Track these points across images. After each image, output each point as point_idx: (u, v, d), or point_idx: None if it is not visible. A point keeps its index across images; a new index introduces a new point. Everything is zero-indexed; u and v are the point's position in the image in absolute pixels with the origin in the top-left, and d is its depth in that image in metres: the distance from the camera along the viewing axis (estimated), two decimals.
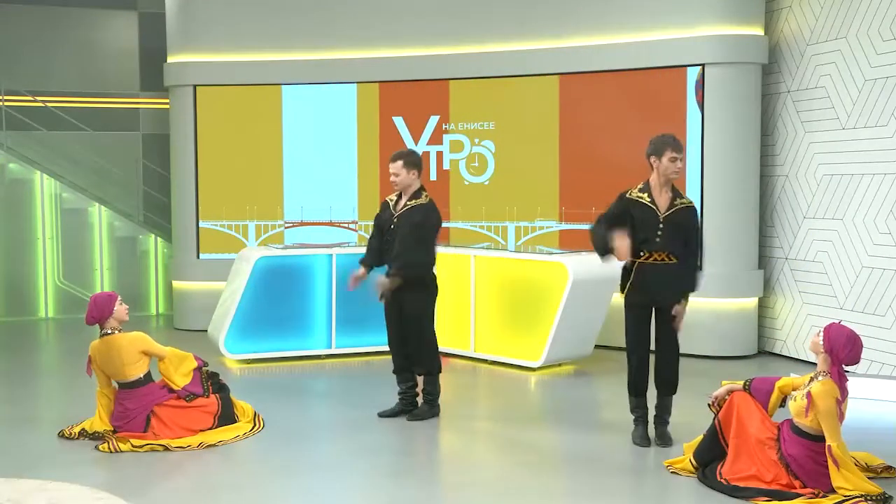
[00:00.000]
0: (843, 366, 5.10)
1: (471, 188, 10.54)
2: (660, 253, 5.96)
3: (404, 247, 6.58)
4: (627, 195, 6.08)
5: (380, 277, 6.68)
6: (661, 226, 5.95)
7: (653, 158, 6.02)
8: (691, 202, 6.12)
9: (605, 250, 6.00)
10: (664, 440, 6.11)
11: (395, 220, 6.70)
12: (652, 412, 6.21)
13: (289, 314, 9.10)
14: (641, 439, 6.13)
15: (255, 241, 11.00)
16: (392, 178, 6.68)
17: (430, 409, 6.91)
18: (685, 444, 5.75)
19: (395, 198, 6.81)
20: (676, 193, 6.06)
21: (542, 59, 10.03)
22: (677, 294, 6.01)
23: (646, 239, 5.96)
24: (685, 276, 6.02)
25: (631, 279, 6.06)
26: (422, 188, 6.74)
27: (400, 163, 6.64)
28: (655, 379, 6.15)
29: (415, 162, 6.70)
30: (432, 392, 6.91)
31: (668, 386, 6.13)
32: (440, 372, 6.91)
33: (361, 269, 6.82)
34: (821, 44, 8.90)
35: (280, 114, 10.95)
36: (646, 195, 6.02)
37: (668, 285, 5.98)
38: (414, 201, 6.67)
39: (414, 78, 10.56)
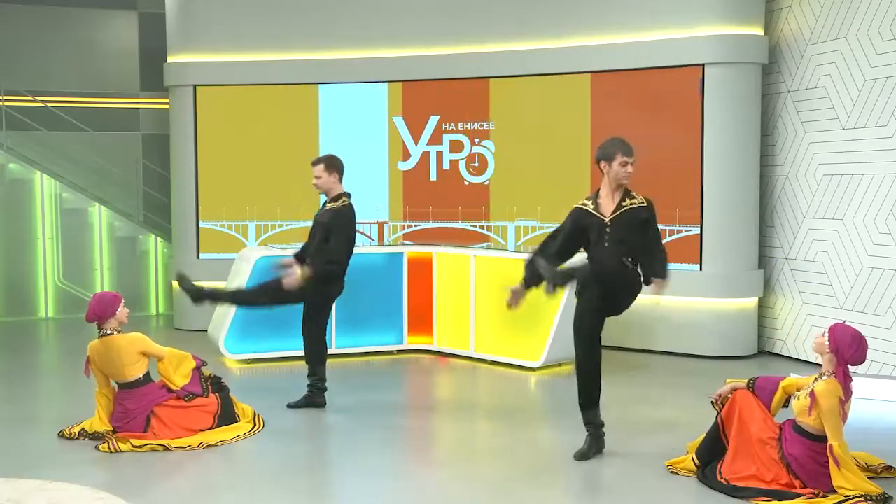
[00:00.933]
0: (849, 366, 5.10)
1: (471, 188, 10.54)
2: (609, 261, 5.70)
3: (317, 247, 6.89)
4: (577, 205, 5.90)
5: (285, 265, 6.88)
6: (607, 231, 5.71)
7: (603, 164, 5.77)
8: (644, 201, 5.79)
9: (530, 278, 5.85)
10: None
11: (315, 220, 7.04)
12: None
13: (289, 314, 9.06)
14: (581, 455, 5.84)
15: (254, 240, 11.00)
16: (314, 181, 6.98)
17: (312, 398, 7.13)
18: (688, 443, 5.75)
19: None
20: (626, 195, 5.78)
21: (542, 58, 10.02)
22: (629, 299, 5.83)
23: (594, 246, 5.75)
24: (652, 265, 5.71)
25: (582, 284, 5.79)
26: (344, 194, 6.95)
27: (321, 166, 6.95)
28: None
29: (335, 165, 6.98)
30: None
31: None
32: (322, 363, 7.11)
33: (292, 260, 7.02)
34: (821, 44, 8.90)
35: (316, 112, 10.88)
36: (591, 203, 5.82)
37: (620, 289, 5.76)
38: (331, 204, 6.95)
39: (415, 78, 10.57)
